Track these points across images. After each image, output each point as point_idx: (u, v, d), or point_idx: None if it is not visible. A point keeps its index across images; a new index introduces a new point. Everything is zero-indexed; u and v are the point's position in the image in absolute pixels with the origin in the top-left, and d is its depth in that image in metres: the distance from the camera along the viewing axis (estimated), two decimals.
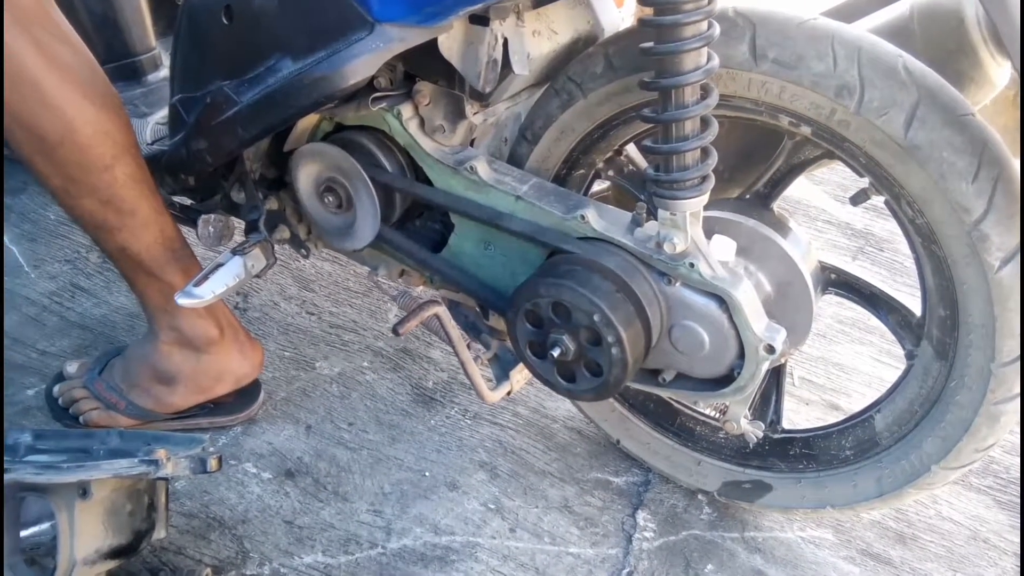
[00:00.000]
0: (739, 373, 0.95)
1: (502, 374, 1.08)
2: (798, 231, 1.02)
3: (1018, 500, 1.23)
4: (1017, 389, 0.91)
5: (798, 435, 1.11)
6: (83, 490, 0.83)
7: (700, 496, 1.20)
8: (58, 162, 0.99)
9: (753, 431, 1.03)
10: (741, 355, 0.94)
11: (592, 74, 0.96)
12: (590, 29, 1.04)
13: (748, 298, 0.91)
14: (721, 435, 1.16)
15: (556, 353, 0.94)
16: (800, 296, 1.00)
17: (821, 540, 1.17)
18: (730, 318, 0.92)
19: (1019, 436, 1.29)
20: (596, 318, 0.90)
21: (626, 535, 1.15)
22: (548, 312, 0.93)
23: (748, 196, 1.02)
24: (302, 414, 1.27)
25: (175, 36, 1.03)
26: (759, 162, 1.02)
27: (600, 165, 1.05)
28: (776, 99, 0.89)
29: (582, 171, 1.05)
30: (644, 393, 1.18)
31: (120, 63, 1.37)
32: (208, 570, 1.01)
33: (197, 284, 1.08)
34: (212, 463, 0.87)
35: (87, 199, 1.03)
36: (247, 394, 1.24)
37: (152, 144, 1.22)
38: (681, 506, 1.19)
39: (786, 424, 1.12)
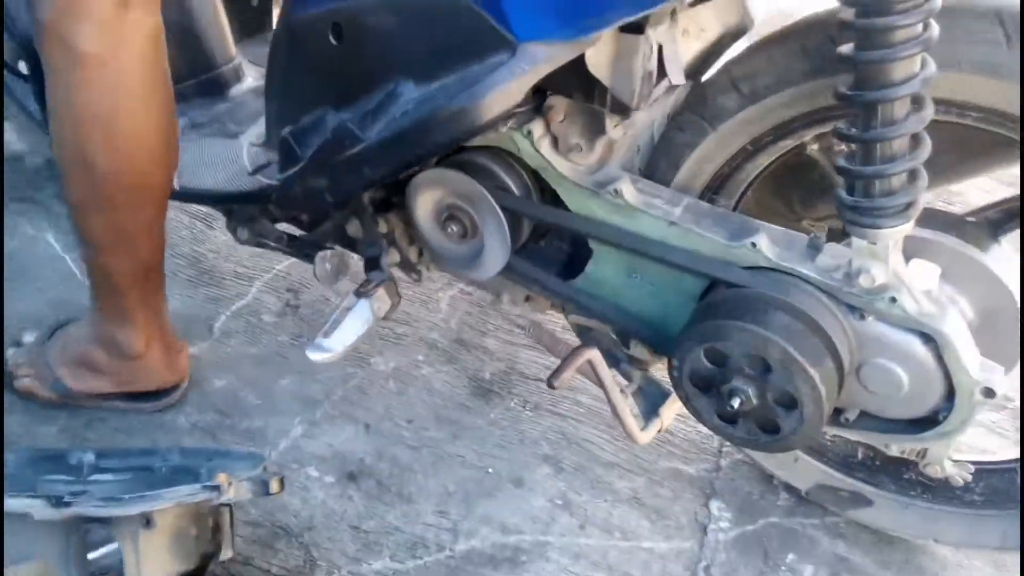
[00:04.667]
0: (946, 417, 0.84)
1: (650, 409, 0.98)
2: (1003, 246, 0.89)
3: None
4: None
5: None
6: (147, 520, 0.82)
7: (776, 481, 1.15)
8: (90, 184, 0.99)
9: (960, 474, 0.92)
10: (949, 396, 0.83)
11: (721, 108, 0.87)
12: (739, 21, 0.94)
13: (960, 335, 0.81)
14: (828, 437, 1.06)
15: (736, 404, 0.84)
16: (1009, 325, 0.86)
17: None
18: (937, 356, 0.81)
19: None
20: (790, 369, 0.79)
21: (700, 526, 1.11)
22: (729, 360, 0.83)
23: (974, 219, 0.89)
24: (360, 413, 1.25)
25: (271, 57, 0.95)
26: (967, 166, 0.90)
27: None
28: None
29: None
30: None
31: (201, 78, 1.28)
32: None
33: (327, 335, 1.01)
34: (274, 485, 0.85)
35: (95, 218, 1.03)
36: (170, 389, 1.24)
37: (254, 173, 1.12)
38: (756, 493, 1.14)
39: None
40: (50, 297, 1.43)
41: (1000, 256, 0.88)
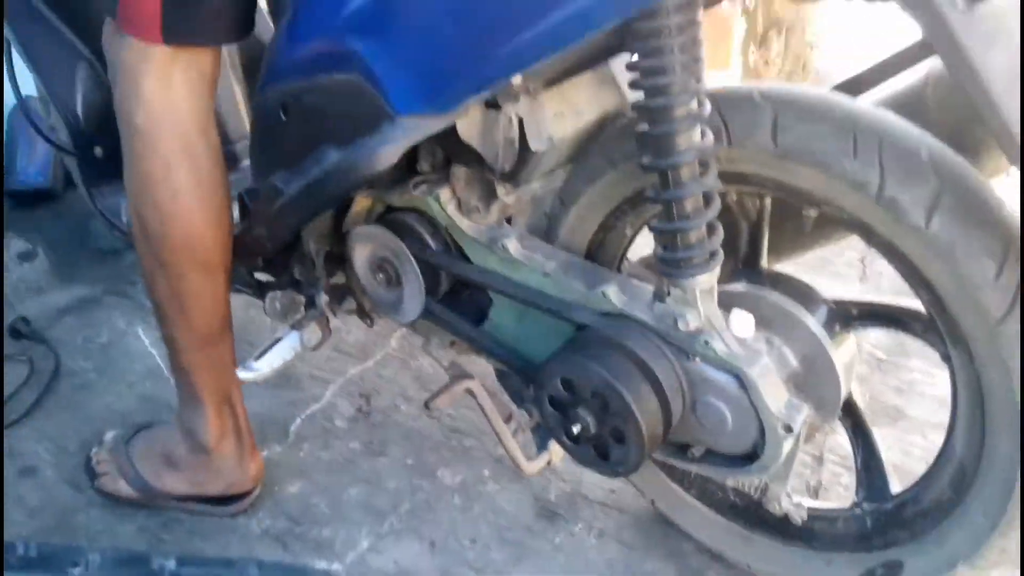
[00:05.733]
0: (762, 452, 0.93)
1: (543, 444, 1.08)
2: (811, 291, 1.01)
3: None
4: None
5: (906, 496, 1.03)
6: None
7: None
8: (146, 248, 1.09)
9: (795, 512, 1.02)
10: (763, 433, 0.92)
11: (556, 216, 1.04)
12: (618, 104, 1.06)
13: (764, 375, 0.90)
14: (839, 525, 1.09)
15: (576, 430, 0.96)
16: (822, 363, 0.97)
17: None
18: (749, 396, 0.91)
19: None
20: (610, 396, 0.92)
21: None
22: (568, 389, 0.96)
23: (740, 265, 1.03)
24: (426, 528, 1.27)
25: (251, 131, 1.12)
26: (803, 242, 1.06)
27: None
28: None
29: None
30: (762, 510, 1.12)
31: None
32: None
33: (257, 358, 1.18)
34: None
35: (153, 283, 1.12)
36: (242, 495, 1.28)
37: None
38: None
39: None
40: (138, 392, 1.50)
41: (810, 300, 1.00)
